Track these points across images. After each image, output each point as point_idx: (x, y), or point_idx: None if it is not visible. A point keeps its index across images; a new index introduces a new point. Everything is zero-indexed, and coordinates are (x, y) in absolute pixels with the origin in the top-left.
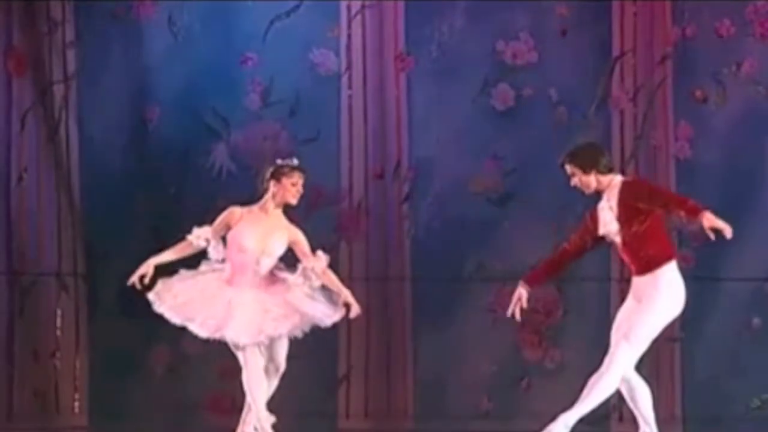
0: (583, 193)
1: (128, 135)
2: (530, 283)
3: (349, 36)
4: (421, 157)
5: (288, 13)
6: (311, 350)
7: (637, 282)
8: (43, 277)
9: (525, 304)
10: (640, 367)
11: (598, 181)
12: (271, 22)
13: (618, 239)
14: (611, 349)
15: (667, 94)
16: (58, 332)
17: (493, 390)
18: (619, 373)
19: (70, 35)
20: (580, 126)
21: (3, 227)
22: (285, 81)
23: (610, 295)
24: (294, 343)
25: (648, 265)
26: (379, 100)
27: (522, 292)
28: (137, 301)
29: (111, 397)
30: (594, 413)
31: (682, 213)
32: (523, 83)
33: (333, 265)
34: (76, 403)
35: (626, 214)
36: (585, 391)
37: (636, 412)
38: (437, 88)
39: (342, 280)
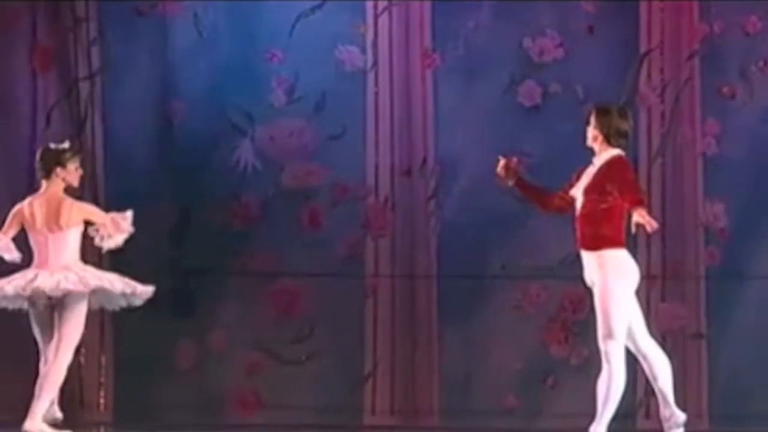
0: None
1: (153, 132)
2: (519, 183)
3: (375, 32)
4: (448, 153)
5: (313, 10)
6: (337, 347)
7: (584, 258)
8: None
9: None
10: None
11: (599, 144)
12: (297, 19)
13: (578, 206)
14: (603, 353)
15: (695, 90)
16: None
17: (518, 387)
18: (622, 370)
19: (93, 32)
20: None
21: None
22: (310, 77)
23: (637, 293)
24: (320, 339)
25: (594, 243)
26: (406, 96)
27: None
28: (162, 297)
29: (136, 394)
30: (620, 409)
31: (627, 203)
32: (550, 80)
33: (359, 262)
34: (102, 400)
35: (594, 186)
36: (600, 398)
37: (655, 388)
38: (464, 85)
39: (368, 277)
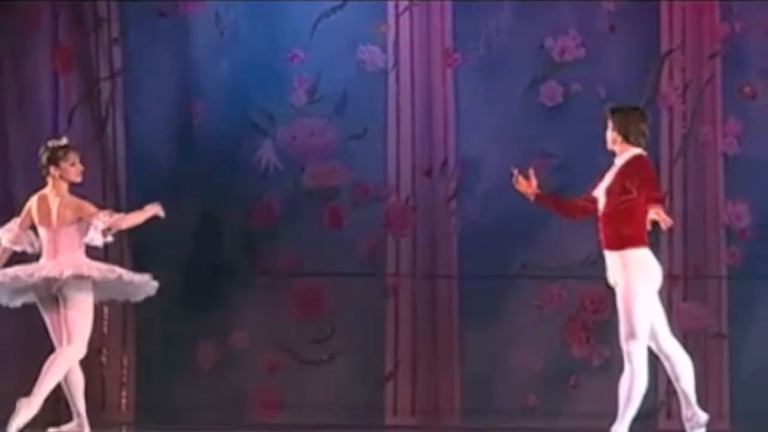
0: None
1: (174, 132)
2: (537, 197)
3: (396, 32)
4: (469, 153)
5: (334, 10)
6: (358, 347)
7: (608, 258)
8: None
9: (519, 182)
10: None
11: (619, 145)
12: (318, 19)
13: (600, 207)
14: (626, 353)
15: (716, 90)
16: (105, 329)
17: (540, 387)
18: (644, 371)
19: (115, 32)
20: None
21: None
22: (332, 77)
23: (660, 292)
24: (341, 338)
25: (617, 243)
26: (427, 96)
27: (528, 186)
28: (183, 297)
29: (158, 394)
30: (641, 409)
31: (644, 200)
32: (572, 79)
33: (380, 261)
34: (123, 400)
35: (615, 186)
36: (622, 399)
37: (678, 388)
38: (485, 85)
39: (389, 277)
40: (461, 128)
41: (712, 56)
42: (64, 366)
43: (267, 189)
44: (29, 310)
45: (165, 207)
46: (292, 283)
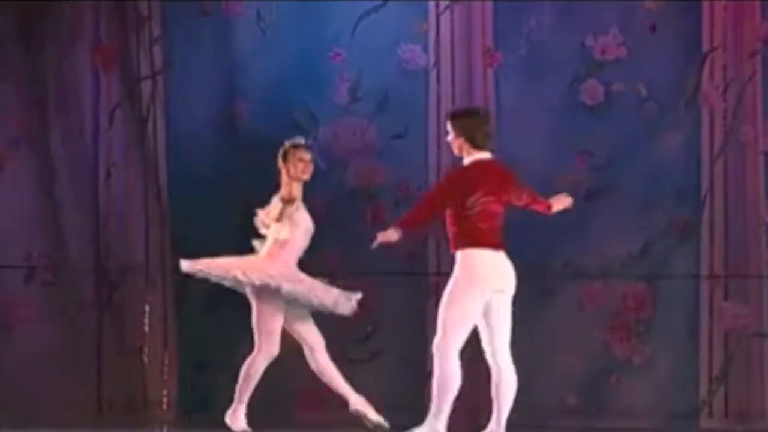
0: (672, 188)
1: (216, 131)
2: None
3: (437, 31)
4: (509, 152)
5: (376, 9)
6: (400, 345)
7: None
8: (131, 272)
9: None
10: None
11: (466, 151)
12: (359, 18)
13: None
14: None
15: (757, 89)
16: (146, 327)
17: (581, 385)
18: (452, 366)
19: (156, 31)
20: (669, 121)
21: (92, 222)
22: (373, 76)
23: (699, 292)
24: (383, 337)
25: (453, 243)
26: (467, 95)
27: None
28: (225, 296)
29: (199, 393)
30: (684, 407)
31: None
32: (613, 78)
33: (422, 260)
34: (165, 399)
35: None
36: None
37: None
38: (525, 84)
39: (430, 275)
40: (502, 127)
41: (753, 55)
42: (254, 369)
43: (309, 188)
44: (75, 318)
45: (207, 206)
46: (334, 282)
